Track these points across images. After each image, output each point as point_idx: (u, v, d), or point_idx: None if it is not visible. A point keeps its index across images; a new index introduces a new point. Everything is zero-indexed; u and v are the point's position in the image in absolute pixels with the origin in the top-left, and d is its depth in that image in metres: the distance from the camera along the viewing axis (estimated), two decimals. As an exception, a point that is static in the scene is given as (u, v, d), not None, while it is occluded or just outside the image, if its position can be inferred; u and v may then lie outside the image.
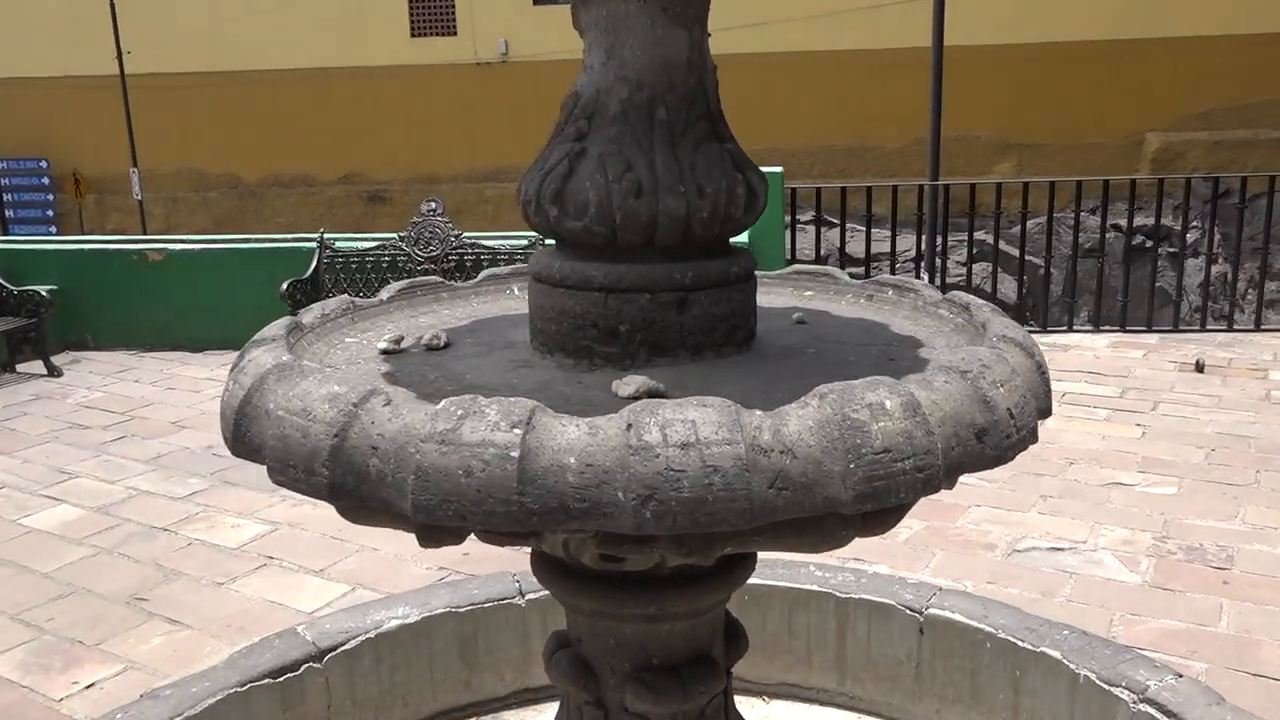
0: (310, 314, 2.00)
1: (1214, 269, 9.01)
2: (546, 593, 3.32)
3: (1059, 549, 4.17)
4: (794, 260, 8.27)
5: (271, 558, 4.33)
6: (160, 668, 3.46)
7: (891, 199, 8.06)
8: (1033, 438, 1.53)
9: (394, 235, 8.10)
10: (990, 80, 13.35)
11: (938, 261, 8.76)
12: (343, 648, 3.09)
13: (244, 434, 1.56)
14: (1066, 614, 3.55)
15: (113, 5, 17.09)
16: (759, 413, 1.33)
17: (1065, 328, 8.07)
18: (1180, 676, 2.81)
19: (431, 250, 7.67)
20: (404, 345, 1.95)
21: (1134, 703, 2.74)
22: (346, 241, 8.26)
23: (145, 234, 15.58)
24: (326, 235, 8.13)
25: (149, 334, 8.43)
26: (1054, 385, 1.82)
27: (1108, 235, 8.34)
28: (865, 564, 3.86)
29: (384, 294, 2.19)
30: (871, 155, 14.74)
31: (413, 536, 1.48)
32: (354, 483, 1.38)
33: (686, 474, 1.26)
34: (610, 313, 1.74)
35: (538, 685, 3.36)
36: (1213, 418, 5.76)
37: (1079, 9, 14.05)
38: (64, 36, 17.70)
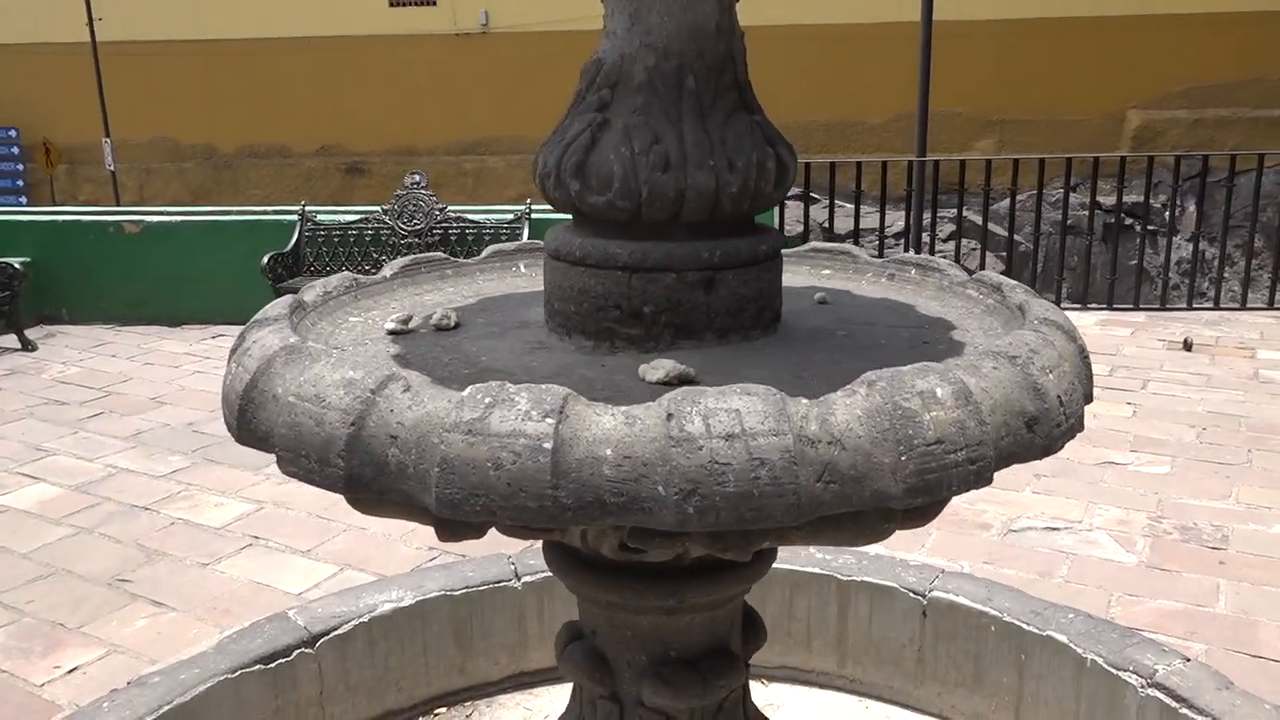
0: (312, 292, 1.91)
1: (1198, 247, 9.01)
2: (542, 575, 3.29)
3: (1054, 529, 4.15)
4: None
5: (257, 537, 4.24)
6: (144, 651, 3.37)
7: (881, 175, 7.99)
8: (1080, 426, 1.46)
9: (376, 208, 7.99)
10: (972, 56, 13.25)
11: (925, 237, 8.70)
12: (335, 632, 3.02)
13: (250, 421, 1.46)
14: (1064, 595, 3.53)
15: (83, -30, 16.71)
16: (805, 401, 1.26)
17: (1052, 306, 8.04)
18: (1188, 660, 2.79)
19: (415, 224, 7.56)
20: (412, 325, 1.86)
21: (1142, 687, 2.71)
22: (328, 214, 8.13)
23: (119, 205, 15.29)
24: (308, 208, 8.00)
25: (125, 307, 8.27)
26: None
27: (1094, 213, 8.31)
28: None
29: (387, 271, 2.10)
30: (853, 130, 14.62)
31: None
32: (372, 474, 1.29)
33: (732, 467, 1.19)
34: (634, 293, 1.66)
35: (533, 669, 3.32)
36: (1203, 396, 5.76)
37: (1063, -16, 13.99)
38: (34, 2, 17.30)
